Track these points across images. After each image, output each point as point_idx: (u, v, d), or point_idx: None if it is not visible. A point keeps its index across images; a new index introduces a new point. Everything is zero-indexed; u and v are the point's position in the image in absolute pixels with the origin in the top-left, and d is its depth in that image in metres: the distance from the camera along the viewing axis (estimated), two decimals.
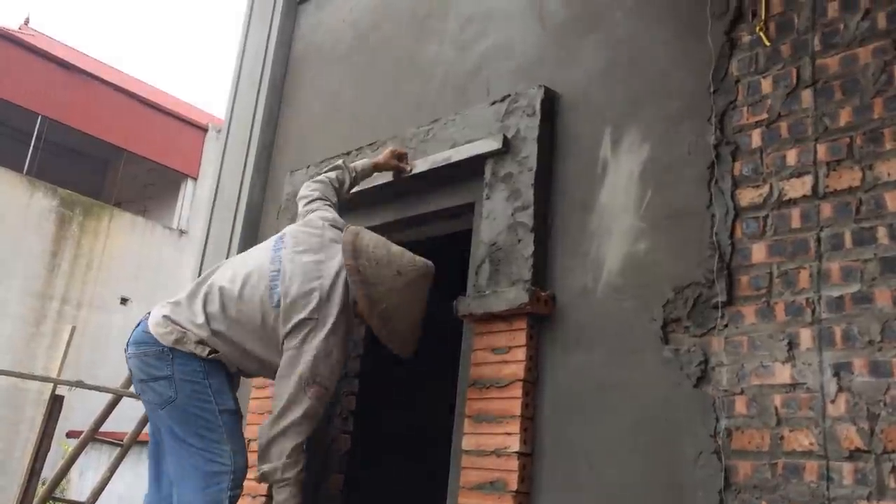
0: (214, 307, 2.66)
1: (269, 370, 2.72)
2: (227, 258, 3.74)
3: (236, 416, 2.65)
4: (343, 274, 2.72)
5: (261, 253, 2.85)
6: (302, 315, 2.62)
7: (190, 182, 17.30)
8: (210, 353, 2.62)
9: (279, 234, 2.91)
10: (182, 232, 16.80)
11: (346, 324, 2.73)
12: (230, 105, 4.88)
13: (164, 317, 2.65)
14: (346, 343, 2.75)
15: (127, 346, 2.71)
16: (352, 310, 2.76)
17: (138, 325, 2.73)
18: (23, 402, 13.70)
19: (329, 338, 2.63)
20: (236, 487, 2.52)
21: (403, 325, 2.79)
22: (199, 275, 4.43)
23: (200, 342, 2.61)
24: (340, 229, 2.91)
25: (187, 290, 2.77)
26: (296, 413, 2.57)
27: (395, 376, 5.01)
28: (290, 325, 2.62)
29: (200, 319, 2.63)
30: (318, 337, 2.61)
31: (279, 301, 2.65)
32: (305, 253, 2.77)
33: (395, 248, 2.85)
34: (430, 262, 2.88)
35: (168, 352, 2.59)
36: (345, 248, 2.74)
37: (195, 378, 2.59)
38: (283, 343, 2.64)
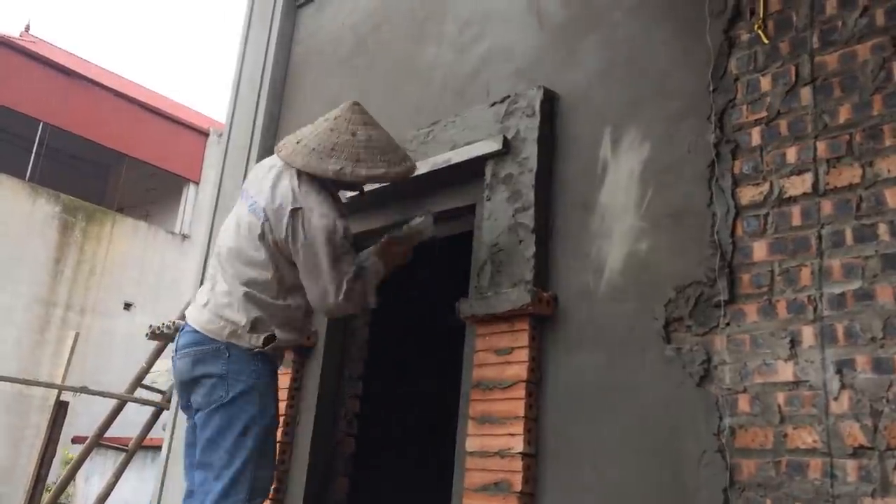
0: (228, 274, 2.65)
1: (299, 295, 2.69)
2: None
3: (273, 426, 2.63)
4: (299, 175, 2.68)
5: (233, 214, 2.84)
6: (289, 209, 2.59)
7: (192, 186, 17.33)
8: (265, 339, 2.59)
9: (241, 194, 2.87)
10: (184, 236, 16.82)
11: (334, 196, 2.74)
12: (231, 109, 4.89)
13: (213, 314, 2.61)
14: (342, 210, 2.72)
15: (175, 351, 2.67)
16: (333, 186, 2.74)
17: (181, 330, 2.70)
18: (27, 409, 13.74)
19: (326, 214, 2.60)
20: (253, 500, 2.51)
21: (374, 150, 2.72)
22: (201, 280, 4.45)
23: (251, 327, 2.57)
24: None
25: (205, 290, 2.73)
26: (339, 293, 2.61)
27: (399, 378, 5.02)
28: (284, 224, 2.58)
29: (229, 299, 2.61)
30: (314, 217, 2.59)
31: (264, 212, 2.62)
32: (266, 179, 2.74)
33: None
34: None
35: (224, 349, 2.56)
36: (277, 152, 2.76)
37: (247, 379, 2.56)
38: (290, 248, 2.61)
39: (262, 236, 2.63)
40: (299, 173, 2.68)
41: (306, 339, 3.61)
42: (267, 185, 2.70)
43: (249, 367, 2.58)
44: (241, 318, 2.58)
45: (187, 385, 2.63)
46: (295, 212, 2.59)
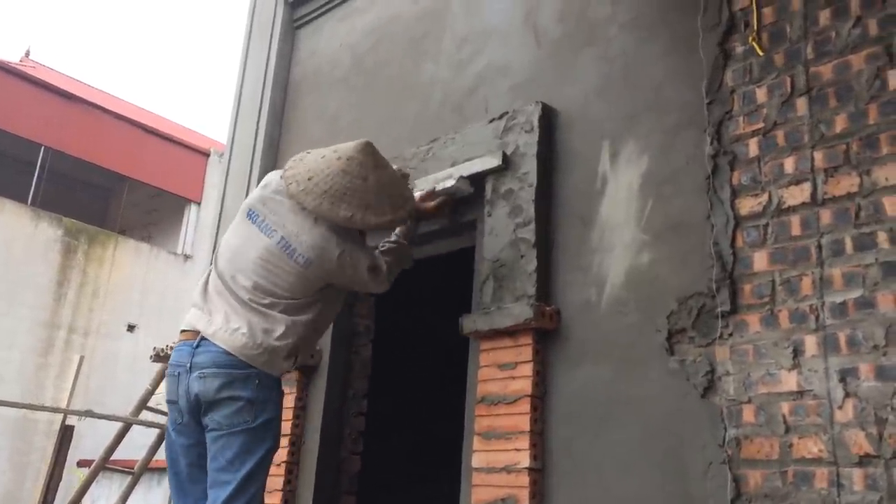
0: (258, 303, 2.65)
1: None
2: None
3: (276, 450, 2.67)
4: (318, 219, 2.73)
5: (243, 236, 2.80)
6: (336, 253, 2.68)
7: (193, 207, 17.36)
8: (292, 363, 2.68)
9: (245, 212, 2.83)
10: (187, 257, 16.84)
11: (362, 236, 2.89)
12: (231, 130, 4.92)
13: (252, 341, 2.58)
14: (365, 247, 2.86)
15: (189, 369, 2.59)
16: (346, 230, 2.79)
17: (195, 346, 2.62)
18: (32, 433, 13.70)
19: (360, 252, 2.76)
20: None
21: (384, 195, 2.76)
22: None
23: (288, 353, 2.63)
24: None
25: (224, 308, 2.68)
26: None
27: (404, 395, 5.02)
28: (333, 265, 2.69)
29: (271, 328, 2.63)
30: (357, 258, 2.73)
31: (306, 260, 2.67)
32: (287, 211, 2.75)
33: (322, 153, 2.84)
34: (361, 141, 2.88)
35: (255, 376, 2.57)
36: (287, 184, 2.75)
37: (272, 409, 2.62)
38: (334, 279, 2.74)
39: (300, 274, 2.66)
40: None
41: (310, 357, 3.64)
42: (291, 223, 2.71)
43: (274, 395, 2.63)
44: (281, 344, 2.62)
45: (208, 406, 2.57)
46: (341, 254, 2.69)
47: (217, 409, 2.55)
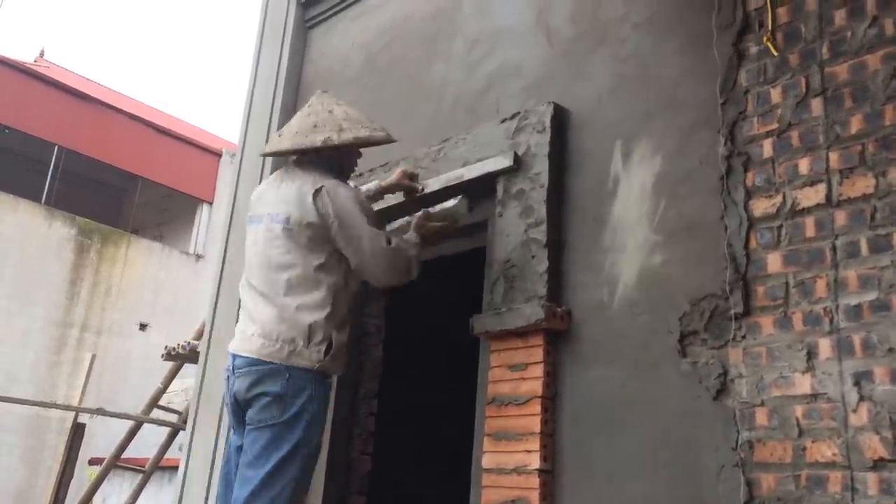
0: (267, 298, 2.67)
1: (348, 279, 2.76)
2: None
3: (315, 455, 2.64)
4: (304, 170, 2.78)
5: (249, 242, 2.86)
6: (311, 192, 2.67)
7: (205, 207, 17.44)
8: (325, 348, 2.60)
9: (247, 223, 2.93)
10: (199, 256, 16.92)
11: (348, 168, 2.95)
12: (243, 129, 4.93)
13: (265, 339, 2.60)
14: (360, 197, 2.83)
15: (231, 371, 2.66)
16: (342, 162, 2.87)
17: (233, 357, 2.69)
18: (45, 431, 13.80)
19: (347, 185, 2.77)
20: None
21: (353, 120, 2.82)
22: (216, 299, 4.47)
23: (308, 338, 2.58)
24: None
25: (246, 322, 2.73)
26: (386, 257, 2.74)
27: (414, 396, 5.01)
28: (310, 206, 2.66)
29: (279, 317, 2.62)
30: (336, 190, 2.70)
31: (282, 213, 2.69)
32: (267, 193, 2.84)
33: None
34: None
35: (284, 370, 2.56)
36: (262, 153, 2.93)
37: (302, 404, 2.56)
38: (325, 225, 2.68)
39: (288, 235, 2.67)
40: (303, 170, 2.79)
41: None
42: (271, 194, 2.81)
43: (306, 391, 2.57)
44: (295, 331, 2.58)
45: (245, 404, 2.61)
46: (318, 191, 2.67)
47: (251, 406, 2.60)
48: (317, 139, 2.73)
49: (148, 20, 73.67)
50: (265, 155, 2.85)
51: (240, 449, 2.65)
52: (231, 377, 2.68)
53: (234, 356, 2.68)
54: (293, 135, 2.78)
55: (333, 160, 2.86)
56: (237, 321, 2.81)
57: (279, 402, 2.54)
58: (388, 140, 2.90)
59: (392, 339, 3.96)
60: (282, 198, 2.74)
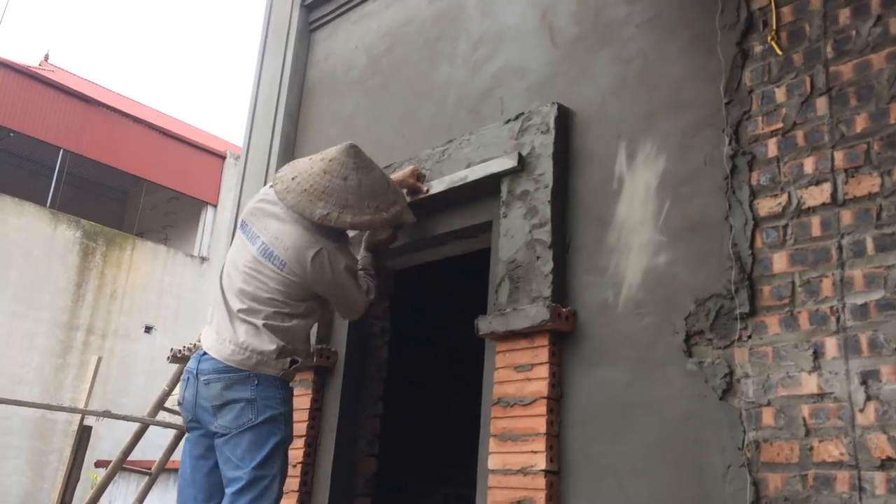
0: (244, 311, 2.77)
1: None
2: None
3: (289, 443, 2.80)
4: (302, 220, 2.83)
5: (237, 248, 2.94)
6: (311, 252, 2.76)
7: (210, 209, 17.49)
8: (289, 362, 2.76)
9: (240, 224, 2.99)
10: (203, 259, 16.95)
11: (343, 239, 2.99)
12: (247, 132, 4.94)
13: (237, 346, 2.72)
14: (351, 254, 2.99)
15: (195, 375, 2.75)
16: (326, 232, 2.88)
17: (199, 356, 2.79)
18: (51, 433, 13.84)
19: (340, 253, 2.86)
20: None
21: (364, 196, 2.86)
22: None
23: (278, 355, 2.73)
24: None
25: (221, 323, 2.82)
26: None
27: (419, 397, 5.01)
28: (308, 265, 2.76)
29: (255, 332, 2.74)
30: (335, 258, 2.82)
31: (281, 262, 2.77)
32: (270, 219, 2.88)
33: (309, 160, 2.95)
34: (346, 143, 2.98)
35: (253, 377, 2.70)
36: (273, 184, 2.92)
37: (275, 405, 2.72)
38: (316, 284, 2.82)
39: (279, 280, 2.77)
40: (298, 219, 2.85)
41: (326, 359, 3.67)
42: (273, 226, 2.84)
43: (277, 393, 2.74)
44: (269, 347, 2.72)
45: (214, 409, 2.71)
46: (318, 253, 2.78)
47: (222, 413, 2.70)
48: (316, 211, 2.78)
49: (152, 23, 73.86)
50: (275, 189, 2.86)
51: (192, 448, 2.80)
52: (192, 379, 2.77)
53: (200, 360, 2.77)
54: (301, 191, 2.80)
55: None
56: (211, 312, 2.92)
57: (251, 406, 2.68)
58: (390, 223, 3.02)
59: (396, 340, 3.96)
60: (281, 240, 2.80)
